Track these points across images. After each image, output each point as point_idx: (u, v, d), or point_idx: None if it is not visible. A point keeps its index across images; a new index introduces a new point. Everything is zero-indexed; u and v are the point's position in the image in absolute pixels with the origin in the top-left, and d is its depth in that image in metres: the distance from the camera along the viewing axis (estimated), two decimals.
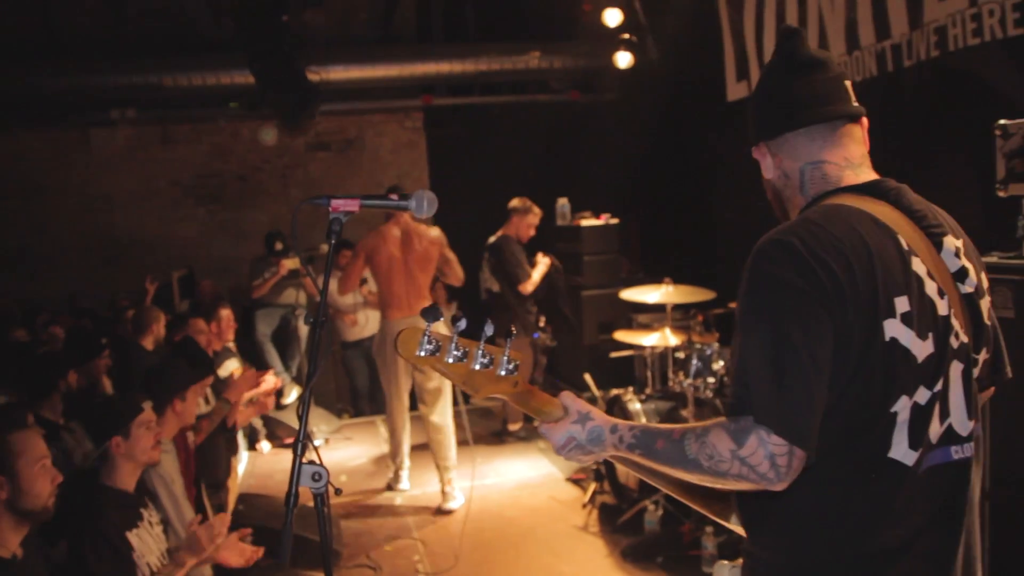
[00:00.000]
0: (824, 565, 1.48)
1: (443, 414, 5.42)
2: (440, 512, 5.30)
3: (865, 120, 1.64)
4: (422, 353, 1.56)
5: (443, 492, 5.38)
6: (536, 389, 1.69)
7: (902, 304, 1.42)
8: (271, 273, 7.28)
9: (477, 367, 1.59)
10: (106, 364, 4.96)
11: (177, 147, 9.48)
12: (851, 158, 1.59)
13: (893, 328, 1.41)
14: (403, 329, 1.58)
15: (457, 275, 5.63)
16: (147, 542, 2.86)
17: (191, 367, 3.76)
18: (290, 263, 7.21)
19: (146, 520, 2.94)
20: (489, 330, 1.58)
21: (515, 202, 6.53)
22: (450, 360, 1.57)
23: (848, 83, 1.62)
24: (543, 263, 6.45)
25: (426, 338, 1.55)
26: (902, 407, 1.43)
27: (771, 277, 1.43)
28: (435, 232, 5.53)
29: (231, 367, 5.91)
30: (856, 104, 1.61)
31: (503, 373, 1.61)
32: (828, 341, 1.38)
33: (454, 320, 1.58)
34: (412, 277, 5.41)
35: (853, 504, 1.46)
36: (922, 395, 1.44)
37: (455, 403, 5.58)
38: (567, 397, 1.66)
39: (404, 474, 5.74)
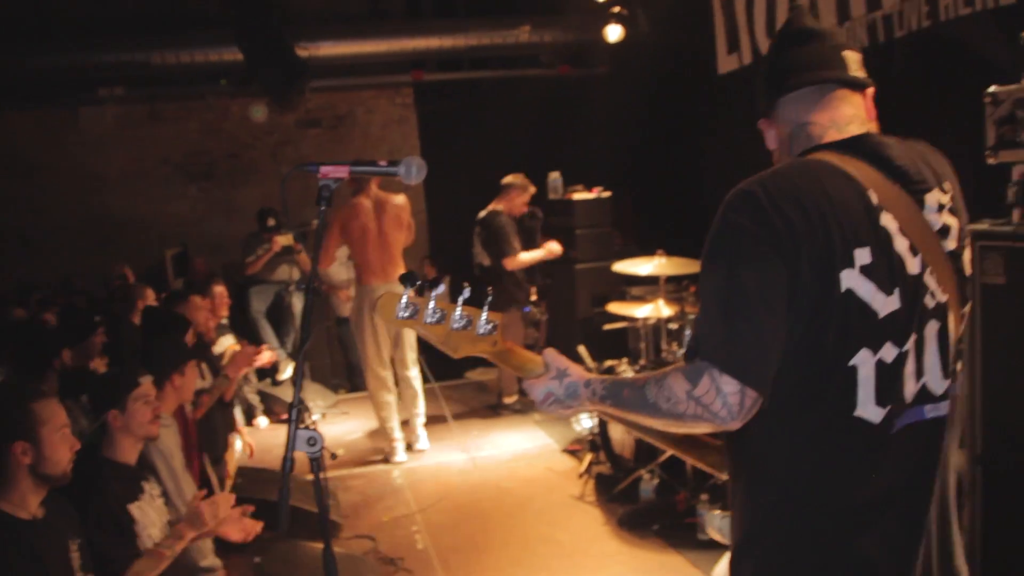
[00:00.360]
0: (801, 520, 1.50)
1: (409, 367, 5.84)
2: (411, 450, 5.85)
3: (869, 90, 1.66)
4: (401, 316, 1.61)
5: (416, 434, 5.90)
6: (517, 347, 1.74)
7: (862, 256, 1.42)
8: (264, 250, 7.28)
9: (455, 327, 1.64)
10: (101, 341, 4.97)
11: (166, 125, 9.42)
12: (837, 119, 1.60)
13: (850, 279, 1.42)
14: (382, 294, 1.63)
15: (410, 240, 5.94)
16: (149, 515, 2.90)
17: (168, 337, 3.79)
18: (283, 239, 7.22)
19: (148, 493, 2.97)
20: (466, 293, 1.64)
21: (513, 178, 6.53)
22: (428, 322, 1.62)
23: (850, 54, 1.63)
24: (546, 251, 6.45)
25: (404, 301, 1.59)
26: (862, 361, 1.43)
27: (730, 223, 1.47)
28: (401, 198, 5.74)
29: (226, 343, 5.93)
30: (856, 74, 1.62)
31: (481, 332, 1.66)
32: (781, 286, 1.40)
33: (432, 285, 1.61)
34: (386, 245, 5.65)
35: (826, 460, 1.48)
36: (888, 352, 1.45)
37: (427, 380, 5.92)
38: (549, 354, 1.71)
39: (398, 446, 5.79)
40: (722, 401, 1.39)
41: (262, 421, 6.89)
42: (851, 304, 1.42)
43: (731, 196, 1.50)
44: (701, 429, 1.47)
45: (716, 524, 4.04)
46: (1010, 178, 2.84)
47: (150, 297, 5.67)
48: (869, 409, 1.45)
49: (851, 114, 1.61)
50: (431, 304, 1.61)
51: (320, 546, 1.80)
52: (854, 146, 1.56)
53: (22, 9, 8.30)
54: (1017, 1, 3.82)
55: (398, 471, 5.62)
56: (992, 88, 2.85)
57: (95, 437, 2.94)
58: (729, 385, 1.39)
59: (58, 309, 5.59)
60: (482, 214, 6.58)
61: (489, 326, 1.67)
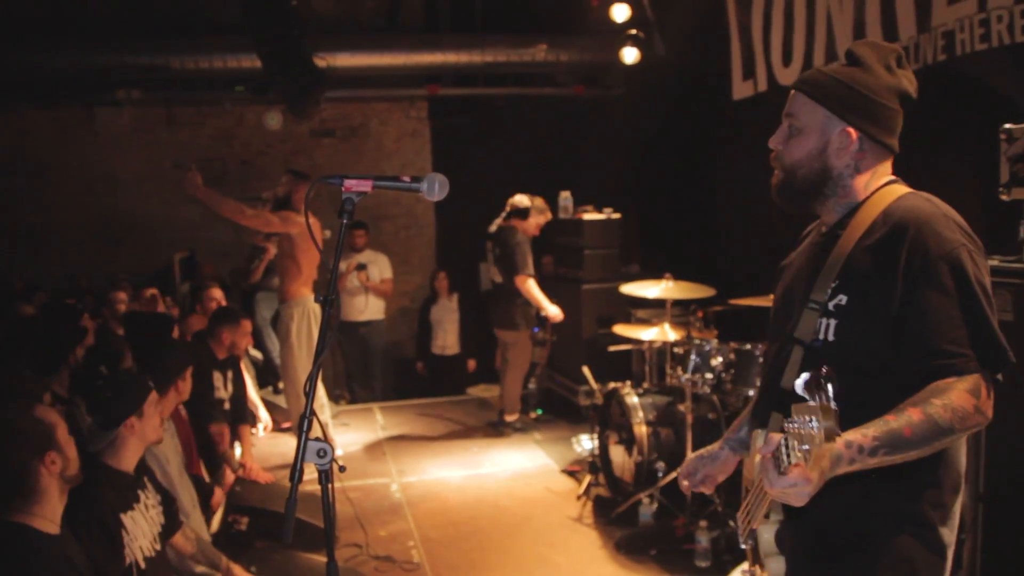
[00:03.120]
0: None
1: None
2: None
3: None
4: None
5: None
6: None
7: None
8: (259, 260, 7.30)
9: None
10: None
11: (182, 129, 9.47)
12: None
13: None
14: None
15: None
16: (140, 525, 2.86)
17: (171, 342, 3.81)
18: (272, 250, 7.22)
19: (143, 502, 2.94)
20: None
21: (535, 200, 6.54)
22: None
23: None
24: (554, 311, 6.42)
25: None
26: None
27: (959, 241, 1.69)
28: None
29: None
30: None
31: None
32: None
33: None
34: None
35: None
36: None
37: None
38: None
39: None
40: (992, 405, 1.63)
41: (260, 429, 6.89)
42: None
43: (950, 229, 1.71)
44: (967, 434, 1.65)
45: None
46: (1022, 215, 2.85)
47: (122, 303, 5.76)
48: None
49: None
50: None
51: (316, 557, 1.79)
52: None
53: (43, 8, 8.38)
54: None
55: (396, 485, 5.61)
56: (1007, 125, 2.86)
57: (94, 443, 2.90)
58: (993, 391, 1.64)
59: (45, 307, 5.57)
60: (496, 228, 6.58)
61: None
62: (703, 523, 4.23)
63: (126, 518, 2.77)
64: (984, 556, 2.92)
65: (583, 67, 8.54)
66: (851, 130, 1.81)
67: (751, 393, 4.78)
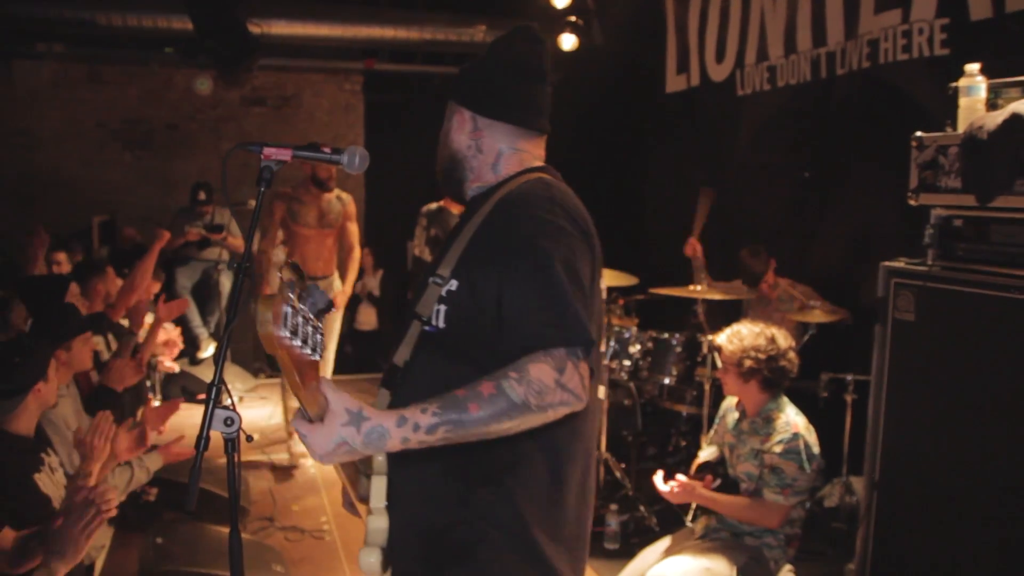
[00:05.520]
0: None
1: None
2: None
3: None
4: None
5: None
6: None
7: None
8: (183, 232, 7.15)
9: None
10: None
11: (105, 88, 9.16)
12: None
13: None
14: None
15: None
16: (49, 488, 2.81)
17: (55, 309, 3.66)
18: (194, 234, 7.09)
19: (47, 465, 2.88)
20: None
21: None
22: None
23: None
24: None
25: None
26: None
27: (553, 225, 1.61)
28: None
29: (149, 320, 5.80)
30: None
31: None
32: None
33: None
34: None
35: None
36: None
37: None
38: (330, 390, 1.48)
39: None
40: (581, 383, 1.49)
41: None
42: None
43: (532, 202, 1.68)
44: (555, 417, 1.49)
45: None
46: (929, 220, 2.97)
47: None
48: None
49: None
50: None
51: (224, 529, 1.77)
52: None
53: None
54: (950, 52, 3.99)
55: (311, 460, 5.54)
56: (918, 133, 2.97)
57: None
58: (584, 368, 1.49)
59: None
60: (433, 207, 6.54)
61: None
62: (613, 507, 4.31)
63: (38, 479, 2.72)
64: (875, 543, 3.05)
65: None
66: (463, 110, 1.83)
67: (667, 381, 4.89)
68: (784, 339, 3.22)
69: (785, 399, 3.23)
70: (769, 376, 3.15)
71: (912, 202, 2.96)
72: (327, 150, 1.79)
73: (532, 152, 1.83)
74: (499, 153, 1.80)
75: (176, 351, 5.13)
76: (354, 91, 9.99)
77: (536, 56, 1.82)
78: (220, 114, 9.52)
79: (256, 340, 8.07)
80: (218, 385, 1.66)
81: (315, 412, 1.46)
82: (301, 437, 1.48)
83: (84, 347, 3.42)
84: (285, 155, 1.73)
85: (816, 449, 3.11)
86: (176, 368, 6.31)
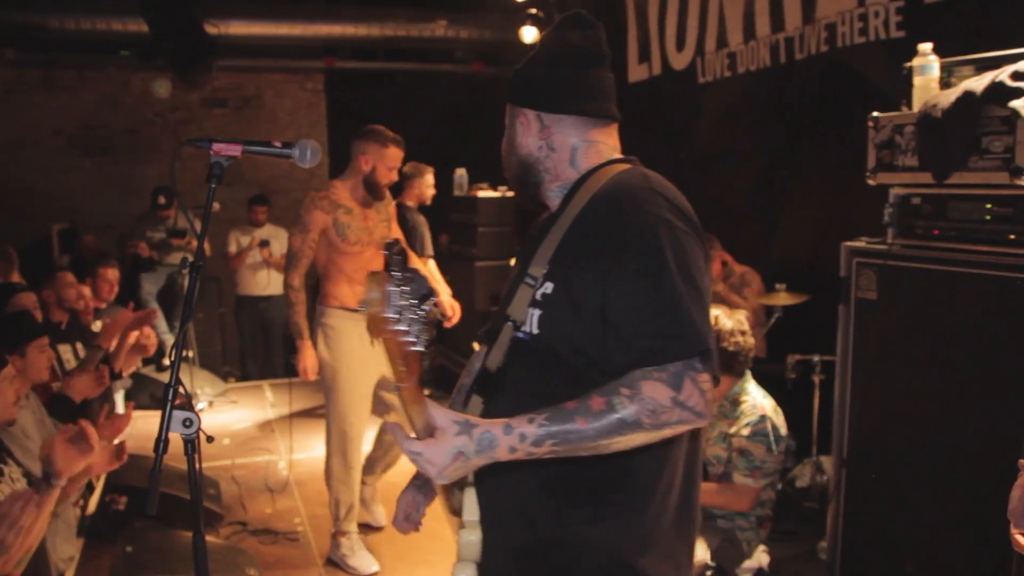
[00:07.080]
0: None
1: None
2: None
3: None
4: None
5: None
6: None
7: None
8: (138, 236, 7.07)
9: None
10: None
11: (61, 94, 9.02)
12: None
13: None
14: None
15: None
16: None
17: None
18: (144, 248, 7.02)
19: (7, 476, 2.82)
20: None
21: (407, 167, 6.22)
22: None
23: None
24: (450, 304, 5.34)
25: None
26: None
27: (660, 219, 1.47)
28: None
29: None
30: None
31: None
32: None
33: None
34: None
35: None
36: None
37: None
38: (437, 410, 1.39)
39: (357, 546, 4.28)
40: (703, 398, 1.37)
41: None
42: None
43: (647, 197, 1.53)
44: (675, 433, 1.41)
45: None
46: (887, 199, 3.00)
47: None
48: None
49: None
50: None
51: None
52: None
53: None
54: (905, 34, 4.03)
55: (284, 462, 5.52)
56: (875, 113, 2.99)
57: None
58: (706, 383, 1.37)
59: None
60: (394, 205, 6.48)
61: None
62: None
63: None
64: (845, 521, 3.08)
65: (482, 44, 8.51)
66: (525, 112, 1.71)
67: None
68: (730, 320, 3.17)
69: (752, 382, 3.25)
70: (720, 359, 3.14)
71: (871, 182, 2.99)
72: (278, 145, 1.77)
73: (607, 142, 1.70)
74: (573, 148, 1.67)
75: (154, 347, 5.03)
76: (316, 90, 9.92)
77: (591, 41, 1.71)
78: (180, 117, 9.41)
79: (225, 344, 8.03)
80: (174, 386, 1.64)
81: (421, 424, 1.37)
82: (413, 457, 1.38)
83: (40, 355, 3.35)
84: (235, 150, 1.71)
85: (784, 431, 3.13)
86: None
